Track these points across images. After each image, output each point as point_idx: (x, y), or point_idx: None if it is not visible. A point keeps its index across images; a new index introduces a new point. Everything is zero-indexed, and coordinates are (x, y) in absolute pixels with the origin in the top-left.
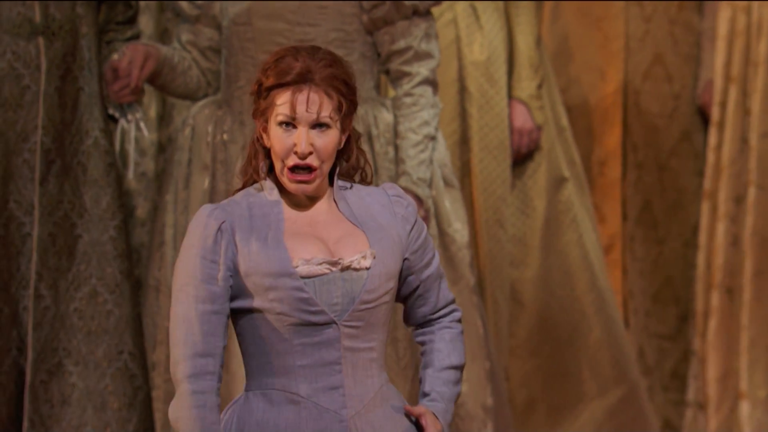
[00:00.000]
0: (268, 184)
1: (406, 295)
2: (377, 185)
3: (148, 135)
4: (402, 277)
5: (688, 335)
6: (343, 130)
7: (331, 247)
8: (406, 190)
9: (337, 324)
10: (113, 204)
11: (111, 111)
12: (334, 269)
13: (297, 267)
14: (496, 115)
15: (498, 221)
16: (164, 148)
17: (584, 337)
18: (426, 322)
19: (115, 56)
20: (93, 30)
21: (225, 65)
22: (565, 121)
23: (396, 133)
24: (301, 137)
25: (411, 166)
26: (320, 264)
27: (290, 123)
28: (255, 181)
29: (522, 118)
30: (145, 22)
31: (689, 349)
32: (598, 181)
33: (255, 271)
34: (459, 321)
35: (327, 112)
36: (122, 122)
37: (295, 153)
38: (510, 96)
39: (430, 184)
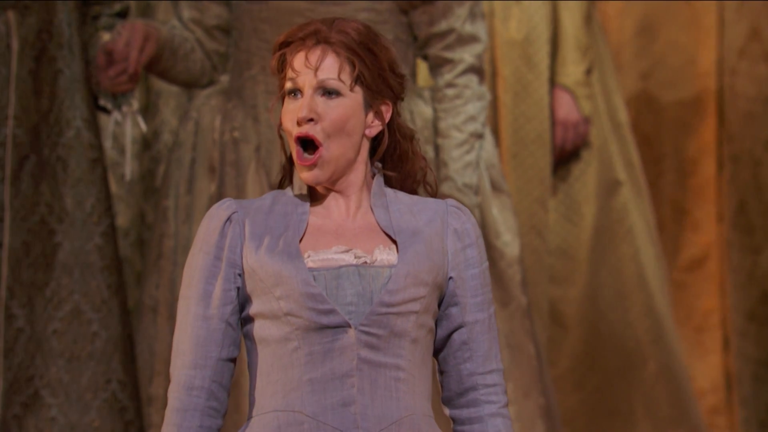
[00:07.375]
0: (298, 181)
1: (447, 335)
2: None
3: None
4: (443, 305)
5: None
6: (372, 109)
7: (349, 243)
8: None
9: (351, 328)
10: (99, 207)
11: (102, 102)
12: (347, 259)
13: (307, 257)
14: (535, 103)
15: (534, 228)
16: (149, 144)
17: (638, 370)
18: (470, 389)
19: (109, 37)
20: (73, 2)
21: (235, 49)
22: (622, 115)
23: (436, 131)
24: (303, 100)
25: (455, 170)
26: (332, 254)
27: (298, 90)
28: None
29: (566, 108)
30: None
31: None
32: (689, 182)
33: (260, 266)
34: (507, 406)
35: (333, 73)
36: (115, 115)
37: (298, 122)
38: (553, 83)
39: (476, 191)
